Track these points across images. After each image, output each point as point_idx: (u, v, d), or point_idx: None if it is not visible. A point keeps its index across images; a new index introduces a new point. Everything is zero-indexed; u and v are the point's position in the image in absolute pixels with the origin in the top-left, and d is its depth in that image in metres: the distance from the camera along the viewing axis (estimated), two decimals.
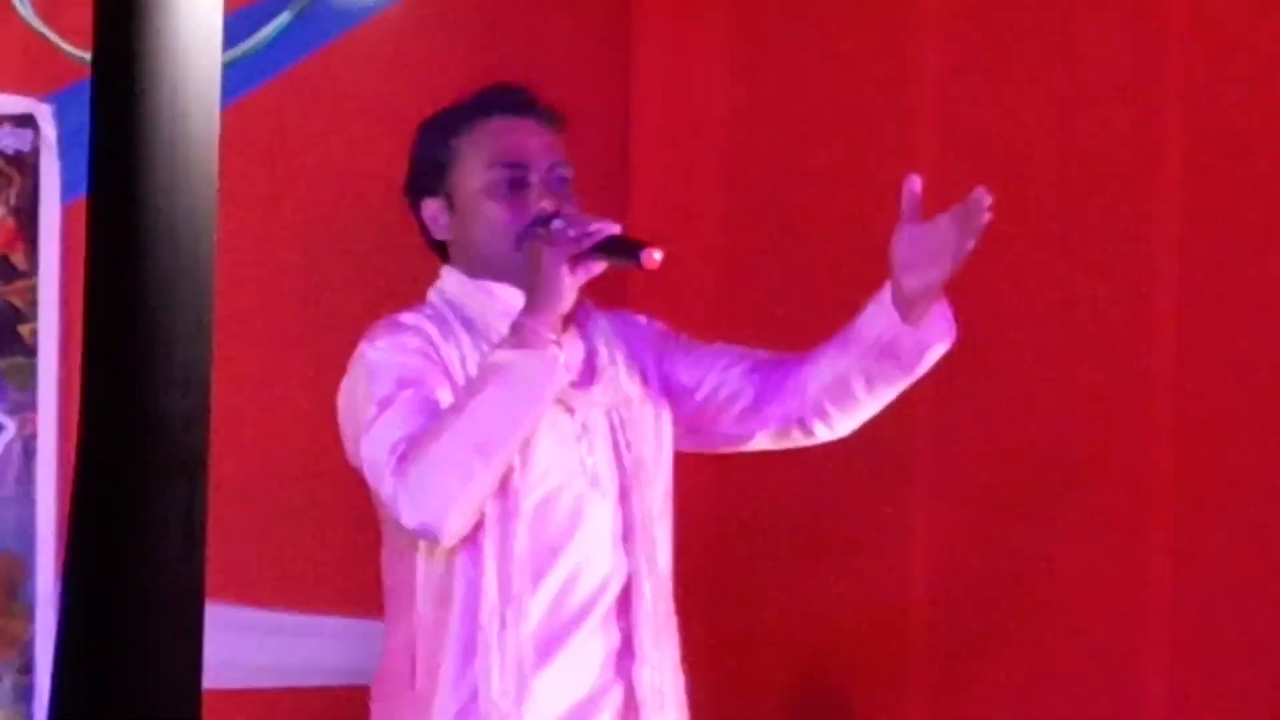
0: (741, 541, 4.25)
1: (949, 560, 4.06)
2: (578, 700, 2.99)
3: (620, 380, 3.06)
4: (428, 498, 2.85)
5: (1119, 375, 3.89)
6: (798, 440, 3.11)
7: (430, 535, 2.90)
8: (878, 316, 2.94)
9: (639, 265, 2.93)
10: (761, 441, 3.13)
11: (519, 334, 2.89)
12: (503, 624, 2.92)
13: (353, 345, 3.09)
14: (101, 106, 1.57)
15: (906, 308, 2.92)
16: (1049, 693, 3.89)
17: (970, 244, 2.88)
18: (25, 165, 3.89)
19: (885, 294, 2.94)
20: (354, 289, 4.00)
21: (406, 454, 2.84)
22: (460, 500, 2.86)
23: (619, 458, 3.04)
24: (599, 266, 2.93)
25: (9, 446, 3.96)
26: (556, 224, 2.97)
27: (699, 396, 3.10)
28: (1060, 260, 3.88)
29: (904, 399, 3.07)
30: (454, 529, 2.88)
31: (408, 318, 3.04)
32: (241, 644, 3.97)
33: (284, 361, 4.06)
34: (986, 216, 2.85)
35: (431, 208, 3.09)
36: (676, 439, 3.15)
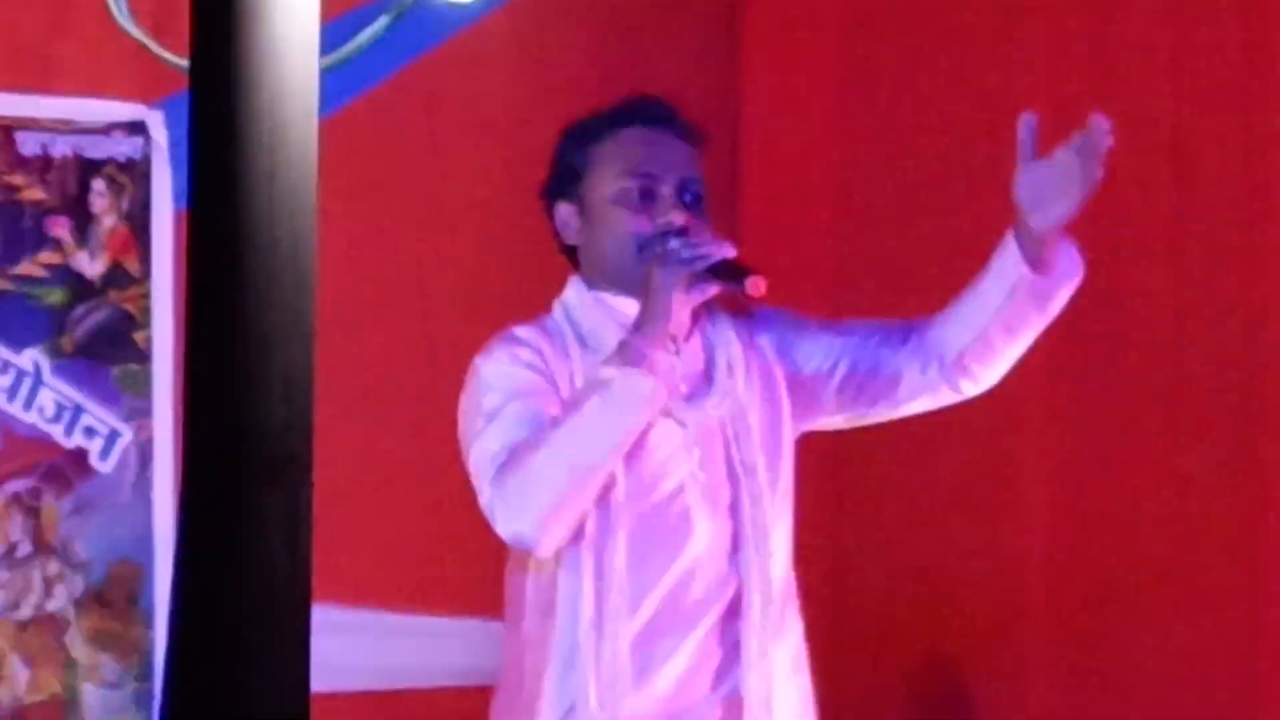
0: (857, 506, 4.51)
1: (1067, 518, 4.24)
2: (680, 709, 3.06)
3: (738, 389, 3.13)
4: (522, 508, 2.94)
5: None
6: (946, 399, 3.19)
7: (524, 545, 2.99)
8: (1006, 266, 3.01)
9: (744, 291, 3.03)
10: (913, 407, 3.21)
11: (624, 352, 2.99)
12: (600, 636, 3.00)
13: (462, 348, 3.22)
14: (200, 115, 1.61)
15: (1036, 249, 2.98)
16: (1165, 656, 4.03)
17: (1098, 173, 2.92)
18: (137, 172, 4.01)
19: (1011, 244, 3.00)
20: (460, 295, 4.13)
21: (506, 464, 2.95)
22: (552, 513, 2.96)
23: (730, 470, 3.11)
24: (711, 289, 3.02)
25: (125, 453, 4.10)
26: (673, 243, 3.05)
27: (838, 377, 3.18)
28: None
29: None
30: (547, 541, 2.97)
31: (522, 331, 3.13)
32: (354, 646, 4.18)
33: (398, 368, 4.23)
34: (1108, 141, 2.89)
35: (564, 212, 3.17)
36: (827, 419, 3.26)
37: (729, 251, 3.04)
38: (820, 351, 3.22)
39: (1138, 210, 3.98)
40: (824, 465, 3.98)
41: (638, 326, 3.04)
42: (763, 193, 4.51)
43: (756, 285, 3.02)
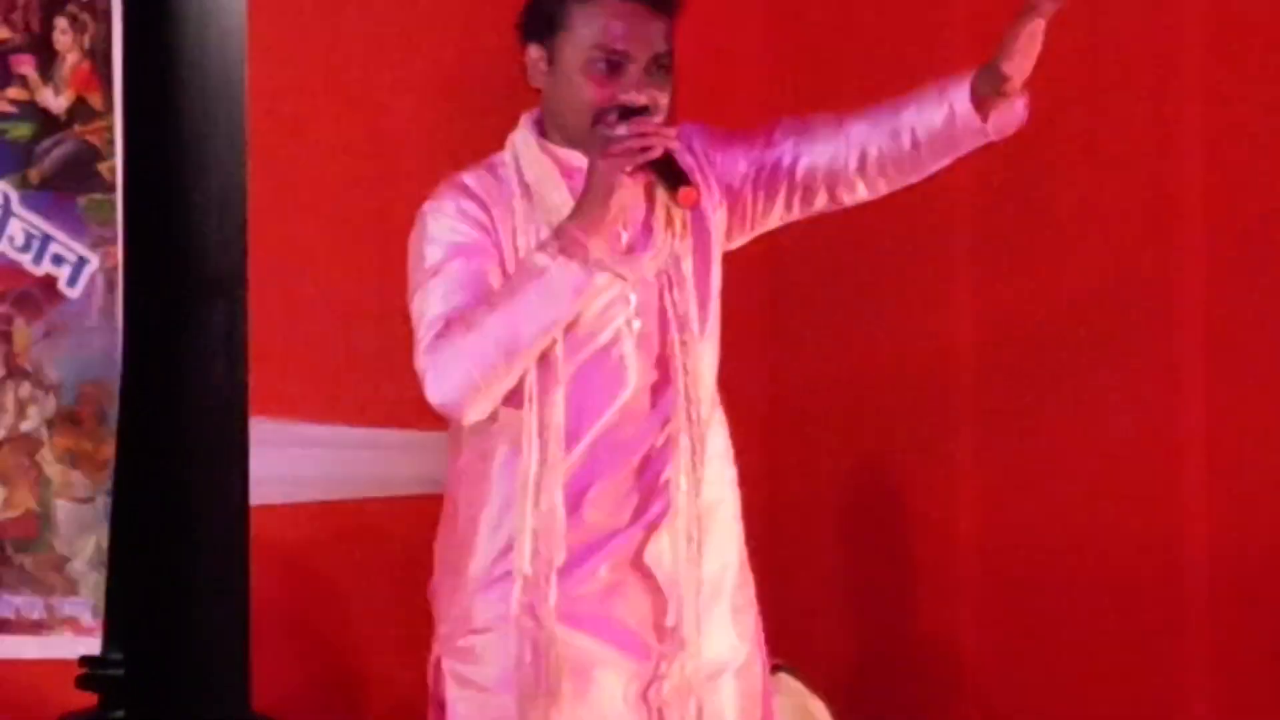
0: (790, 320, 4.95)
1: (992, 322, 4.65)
2: (604, 538, 3.30)
3: (674, 240, 3.34)
4: (451, 382, 3.14)
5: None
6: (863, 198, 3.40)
7: (449, 414, 3.20)
8: (959, 103, 3.24)
9: (674, 197, 3.20)
10: (843, 203, 3.39)
11: (561, 238, 3.18)
12: (539, 487, 3.22)
13: (411, 161, 3.41)
14: None
15: (993, 89, 3.20)
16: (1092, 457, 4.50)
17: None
18: (98, 9, 4.26)
19: (966, 83, 3.21)
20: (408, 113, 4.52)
21: (440, 334, 3.14)
22: (480, 390, 3.16)
23: (663, 318, 3.32)
24: (645, 178, 3.21)
25: (93, 279, 4.41)
26: (620, 130, 3.20)
27: (782, 188, 3.37)
28: None
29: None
30: (471, 414, 3.18)
31: (470, 179, 3.30)
32: (294, 458, 4.55)
33: (349, 183, 4.61)
34: None
35: (534, 54, 3.31)
36: (767, 220, 3.43)
37: (672, 144, 3.20)
38: (763, 165, 3.40)
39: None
40: (759, 278, 4.37)
41: (576, 213, 3.21)
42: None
43: (688, 195, 3.19)
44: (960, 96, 3.25)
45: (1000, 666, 4.86)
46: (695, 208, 3.27)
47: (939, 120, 3.28)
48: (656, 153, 3.17)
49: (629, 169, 3.17)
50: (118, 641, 2.09)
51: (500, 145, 3.45)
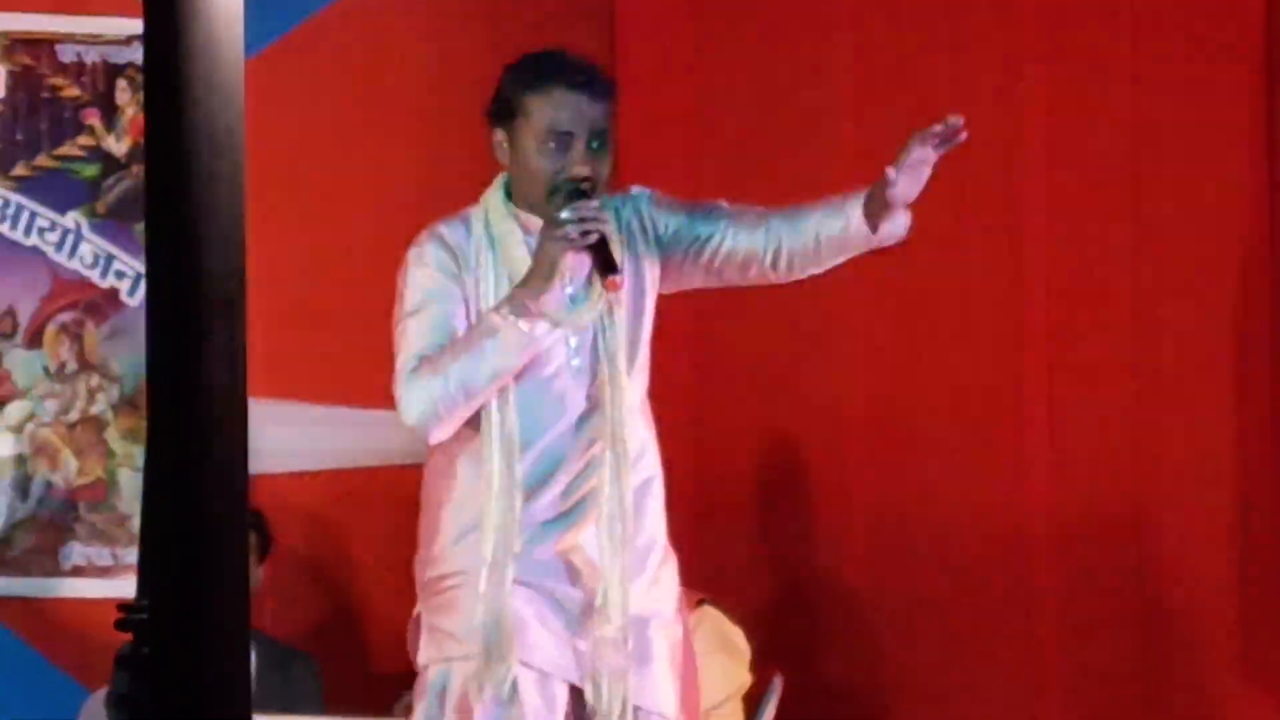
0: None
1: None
2: (552, 520, 3.84)
3: (610, 291, 3.85)
4: (419, 411, 3.73)
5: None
6: (774, 280, 3.92)
7: (418, 433, 3.83)
8: (851, 213, 3.72)
9: (603, 281, 3.77)
10: (751, 282, 3.92)
11: (513, 303, 3.71)
12: (500, 491, 3.79)
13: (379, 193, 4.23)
14: (150, 22, 2.02)
15: (879, 209, 3.68)
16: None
17: (934, 156, 3.64)
18: None
19: (861, 197, 3.70)
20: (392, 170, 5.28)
21: (414, 371, 3.72)
22: (442, 419, 3.77)
23: (596, 356, 3.86)
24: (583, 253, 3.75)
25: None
26: (565, 215, 3.70)
27: (705, 257, 3.88)
28: None
29: None
30: (436, 435, 3.80)
31: (446, 231, 3.84)
32: (294, 434, 5.27)
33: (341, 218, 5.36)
34: (962, 137, 3.64)
35: (499, 136, 3.82)
36: (688, 284, 3.96)
37: (607, 230, 3.68)
38: (696, 236, 3.87)
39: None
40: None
41: (525, 281, 3.71)
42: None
43: (611, 283, 3.75)
44: (855, 210, 3.70)
45: (881, 602, 5.55)
46: (616, 291, 3.73)
47: (837, 228, 3.73)
48: (594, 238, 3.64)
49: (571, 249, 3.63)
50: (146, 590, 2.21)
51: (474, 189, 3.90)
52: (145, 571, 2.27)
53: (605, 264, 3.71)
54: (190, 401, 2.04)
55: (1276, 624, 5.08)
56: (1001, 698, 5.31)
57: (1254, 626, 5.11)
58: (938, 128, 3.54)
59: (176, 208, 2.01)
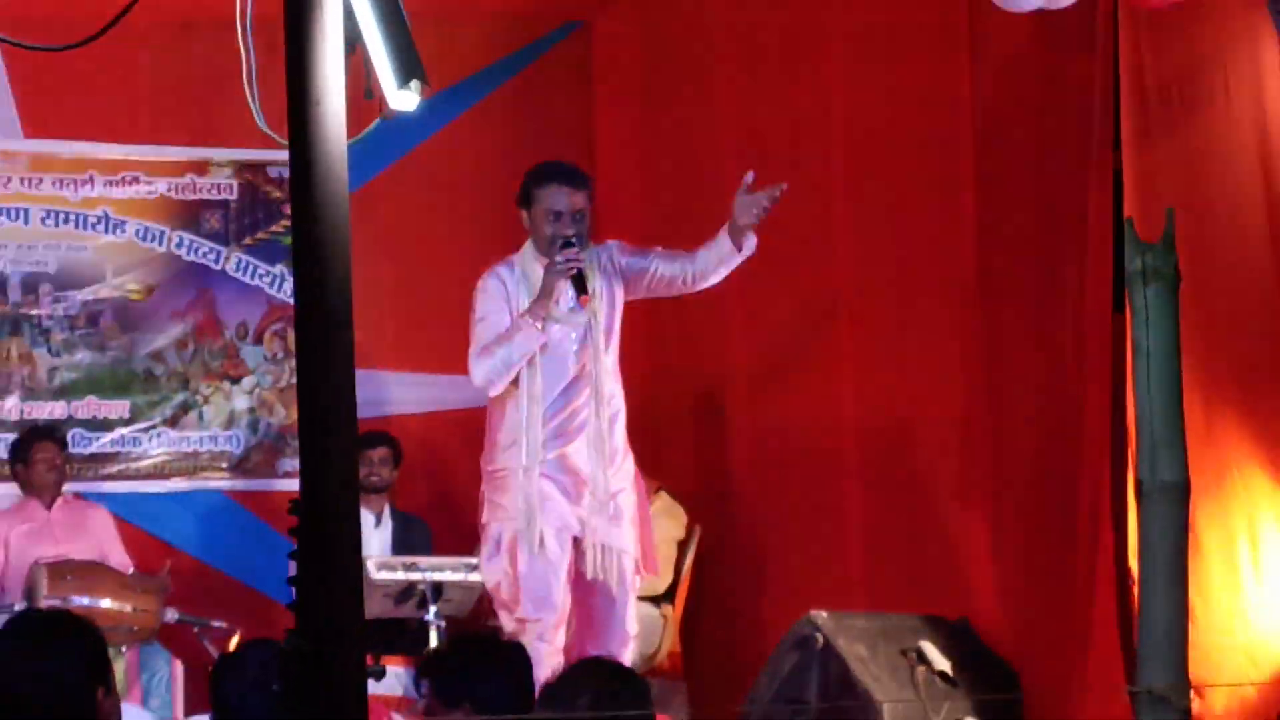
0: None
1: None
2: (560, 439, 5.66)
3: (595, 302, 5.57)
4: (483, 377, 5.60)
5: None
6: (688, 292, 5.85)
7: (482, 389, 5.70)
8: (723, 243, 5.56)
9: (578, 298, 5.47)
10: (674, 294, 5.89)
11: (531, 310, 5.44)
12: (530, 419, 5.59)
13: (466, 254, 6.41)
14: (293, 164, 2.83)
15: (737, 236, 5.48)
16: None
17: (767, 205, 5.44)
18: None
19: (725, 231, 5.49)
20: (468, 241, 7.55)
21: (478, 354, 5.58)
22: (494, 383, 5.57)
23: (586, 338, 5.59)
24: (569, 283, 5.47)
25: None
26: (559, 256, 5.39)
27: (649, 280, 5.79)
28: None
29: None
30: (493, 391, 5.61)
31: (501, 269, 5.62)
32: (412, 391, 7.65)
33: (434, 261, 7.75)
34: (775, 196, 5.49)
35: (523, 215, 5.66)
36: (640, 296, 5.81)
37: (583, 265, 5.38)
38: (641, 268, 5.68)
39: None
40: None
41: (537, 297, 5.42)
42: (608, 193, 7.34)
43: (583, 300, 5.43)
44: (725, 240, 5.49)
45: (761, 487, 7.42)
46: (586, 305, 5.44)
47: (718, 253, 5.56)
48: (574, 271, 5.42)
49: (563, 278, 5.41)
50: (304, 491, 2.80)
51: (517, 244, 5.78)
52: (303, 479, 2.78)
53: (580, 288, 5.52)
54: (319, 392, 2.72)
55: (983, 477, 6.50)
56: (821, 543, 7.05)
57: (970, 476, 6.58)
58: (766, 194, 5.47)
59: (312, 265, 2.73)
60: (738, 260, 5.62)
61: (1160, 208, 4.88)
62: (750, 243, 5.53)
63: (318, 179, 2.82)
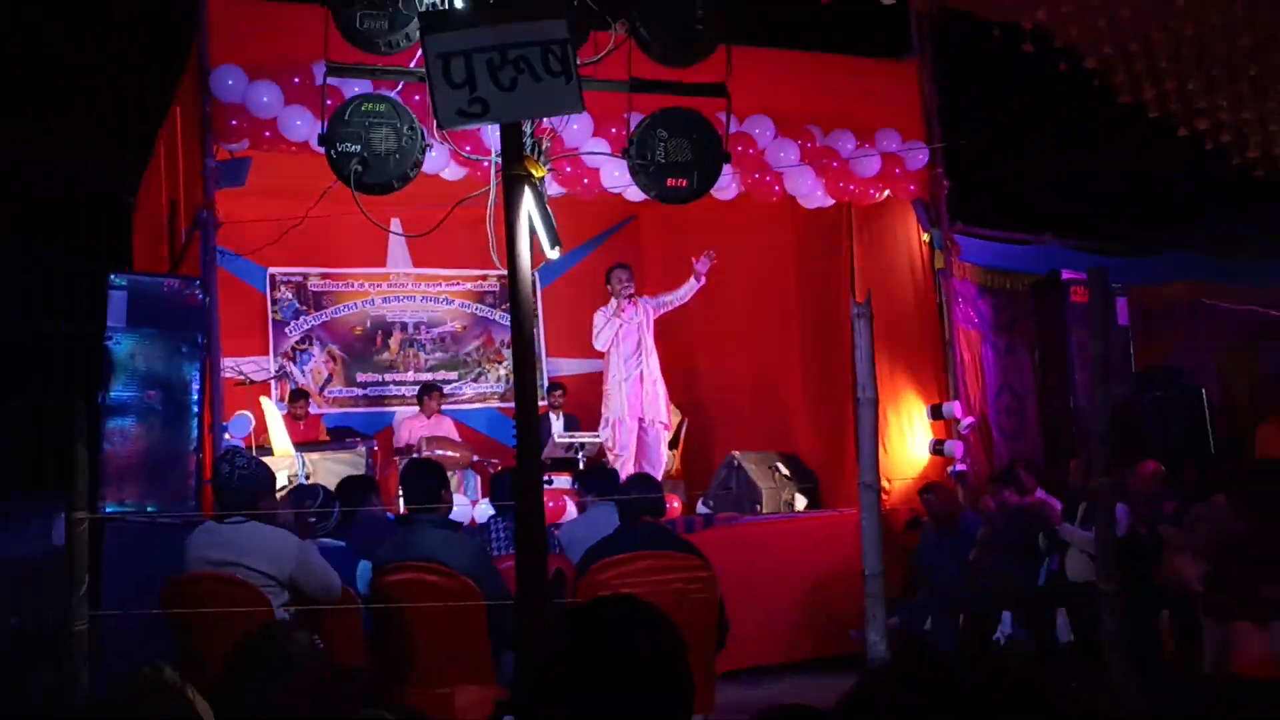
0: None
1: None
2: (632, 383, 14.57)
3: (643, 315, 14.15)
4: (599, 345, 14.32)
5: None
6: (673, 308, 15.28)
7: (599, 350, 14.51)
8: (691, 284, 14.12)
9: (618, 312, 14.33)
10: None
11: (614, 314, 14.01)
12: (624, 372, 14.32)
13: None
14: (511, 274, 5.68)
15: (697, 280, 13.97)
16: None
17: (708, 263, 14.41)
18: None
19: (692, 279, 14.00)
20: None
21: (595, 337, 14.22)
22: (600, 347, 14.32)
23: (641, 335, 14.18)
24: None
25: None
26: (626, 307, 14.06)
27: (659, 306, 14.57)
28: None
29: None
30: (601, 349, 14.43)
31: (608, 306, 14.27)
32: (575, 364, 17.81)
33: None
34: (712, 262, 14.74)
35: (608, 283, 14.35)
36: (659, 313, 14.46)
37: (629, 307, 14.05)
38: (658, 302, 14.24)
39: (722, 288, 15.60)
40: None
41: (614, 313, 13.93)
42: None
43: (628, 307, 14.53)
44: (692, 281, 13.91)
45: (711, 403, 16.85)
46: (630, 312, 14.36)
47: (686, 288, 14.12)
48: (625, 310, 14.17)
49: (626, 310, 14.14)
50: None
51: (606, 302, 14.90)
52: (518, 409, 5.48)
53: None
54: (522, 370, 5.50)
55: (802, 393, 15.41)
56: (735, 423, 16.08)
57: (796, 396, 15.52)
58: (707, 256, 13.86)
59: (519, 320, 5.45)
60: (696, 288, 13.55)
61: (865, 287, 13.55)
62: (701, 281, 13.45)
63: (519, 285, 5.14)
